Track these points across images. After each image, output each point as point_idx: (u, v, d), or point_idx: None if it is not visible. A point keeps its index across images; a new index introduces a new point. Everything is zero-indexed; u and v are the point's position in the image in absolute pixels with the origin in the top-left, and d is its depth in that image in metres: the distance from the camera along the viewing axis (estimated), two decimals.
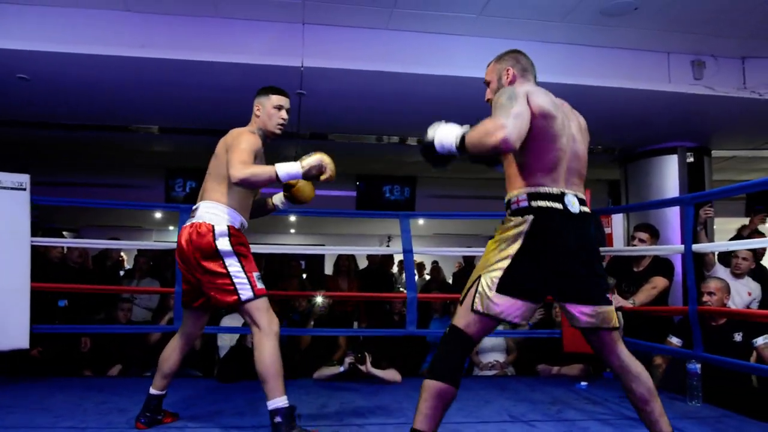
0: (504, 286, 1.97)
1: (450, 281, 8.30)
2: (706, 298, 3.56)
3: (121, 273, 6.71)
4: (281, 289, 5.79)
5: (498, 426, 2.83)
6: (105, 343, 4.50)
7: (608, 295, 2.07)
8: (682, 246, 3.46)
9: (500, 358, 4.61)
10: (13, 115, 5.59)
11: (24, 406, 3.04)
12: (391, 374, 3.85)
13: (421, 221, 11.14)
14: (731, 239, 5.06)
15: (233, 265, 2.52)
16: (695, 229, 4.43)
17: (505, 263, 1.98)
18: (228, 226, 2.56)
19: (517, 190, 2.06)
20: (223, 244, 2.53)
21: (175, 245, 4.03)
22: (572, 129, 2.12)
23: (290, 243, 13.35)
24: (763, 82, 5.07)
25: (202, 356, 4.67)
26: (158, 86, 4.73)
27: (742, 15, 4.17)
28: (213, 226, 2.55)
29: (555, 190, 2.02)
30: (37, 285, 3.75)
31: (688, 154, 6.12)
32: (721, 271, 4.32)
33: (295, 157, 2.63)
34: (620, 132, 5.99)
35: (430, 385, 1.95)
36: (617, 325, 2.06)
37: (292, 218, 11.72)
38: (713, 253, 4.47)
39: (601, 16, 4.13)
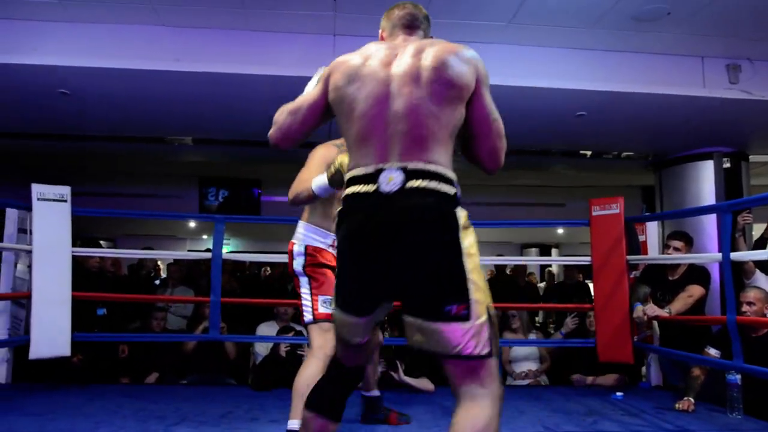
0: (337, 299, 1.65)
1: None
2: (745, 308, 3.46)
3: (157, 282, 6.84)
4: None
5: None
6: (141, 351, 4.59)
7: (455, 308, 1.44)
8: (720, 254, 3.39)
9: (533, 367, 4.57)
10: (54, 129, 5.76)
11: (65, 413, 3.11)
12: (424, 383, 3.84)
13: None
14: (755, 243, 4.92)
15: (304, 286, 2.55)
16: (733, 235, 4.33)
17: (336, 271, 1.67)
18: (305, 246, 2.57)
19: None
20: (297, 264, 2.57)
21: (209, 255, 4.14)
22: (392, 85, 1.58)
23: None
24: None
25: (236, 364, 4.73)
26: (192, 98, 4.82)
27: None
28: (293, 245, 2.60)
29: (369, 168, 1.55)
30: (78, 294, 3.85)
31: (725, 159, 5.99)
32: (762, 279, 4.21)
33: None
34: (654, 137, 5.91)
35: (308, 420, 1.70)
36: (463, 352, 1.44)
37: None
38: (753, 261, 4.37)
39: (633, 21, 4.08)
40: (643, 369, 4.46)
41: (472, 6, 3.95)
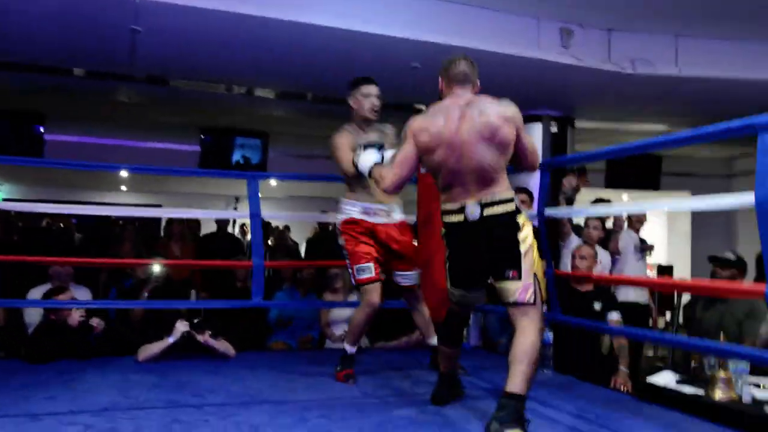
0: (452, 281, 2.70)
1: (302, 248, 8.35)
2: (578, 261, 3.97)
3: None
4: (112, 254, 5.54)
5: (349, 401, 2.93)
6: None
7: (510, 272, 2.51)
8: (535, 210, 3.76)
9: None
10: None
11: None
12: (225, 345, 3.82)
13: (273, 182, 11.00)
14: None
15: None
16: (558, 198, 4.82)
17: (447, 265, 2.69)
18: (341, 220, 3.43)
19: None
20: (340, 240, 3.42)
21: None
22: (465, 147, 2.51)
23: (121, 203, 12.64)
24: (628, 57, 5.53)
25: (7, 334, 4.36)
26: None
27: None
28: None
29: (455, 205, 2.57)
30: None
31: (553, 123, 6.57)
32: (576, 242, 4.73)
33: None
34: (486, 95, 6.28)
35: (439, 349, 2.98)
36: (511, 299, 2.52)
37: (124, 174, 11.07)
38: (570, 224, 4.88)
39: None
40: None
41: None
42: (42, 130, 7.75)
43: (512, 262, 2.51)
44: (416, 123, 2.63)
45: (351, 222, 3.37)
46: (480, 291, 2.71)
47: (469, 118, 2.54)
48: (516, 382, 2.35)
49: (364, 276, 3.30)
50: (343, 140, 3.36)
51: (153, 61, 5.52)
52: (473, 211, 2.52)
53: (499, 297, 2.58)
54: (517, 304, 2.50)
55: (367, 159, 2.87)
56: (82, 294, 4.47)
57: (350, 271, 3.37)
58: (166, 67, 5.76)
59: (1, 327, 4.35)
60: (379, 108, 3.45)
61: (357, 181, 3.32)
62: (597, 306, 3.91)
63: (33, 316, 4.29)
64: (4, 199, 10.95)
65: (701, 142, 2.81)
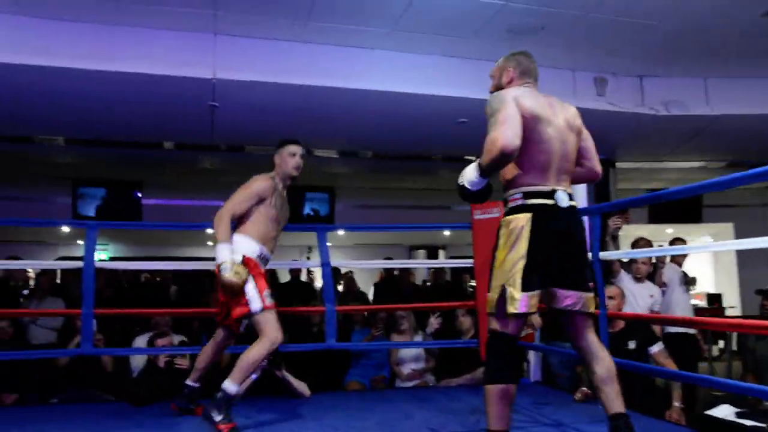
0: (525, 285, 2.13)
1: (370, 292, 8.30)
2: (607, 302, 3.72)
3: (25, 292, 6.30)
4: (203, 304, 5.62)
5: None
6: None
7: (590, 284, 2.24)
8: (590, 254, 3.60)
9: (419, 366, 4.62)
10: None
11: None
12: (302, 386, 3.79)
13: (341, 231, 11.08)
14: None
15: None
16: (605, 239, 4.63)
17: (522, 263, 2.13)
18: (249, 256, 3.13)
19: (513, 189, 2.24)
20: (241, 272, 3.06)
21: (80, 263, 3.83)
22: (561, 131, 2.23)
23: (207, 257, 12.93)
24: (660, 100, 5.40)
25: (114, 378, 4.43)
26: (62, 95, 4.49)
27: (639, 36, 4.41)
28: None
29: (547, 188, 2.19)
30: None
31: None
32: (626, 278, 4.53)
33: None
34: None
35: (490, 390, 2.17)
36: (592, 310, 2.24)
37: (209, 231, 11.38)
38: (620, 261, 4.68)
39: (508, 34, 4.25)
40: (525, 365, 4.64)
41: (357, 11, 3.96)
42: (140, 195, 8.06)
43: (588, 269, 2.27)
44: (513, 91, 2.23)
45: (255, 260, 3.15)
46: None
47: (558, 106, 2.29)
48: (620, 402, 2.13)
49: (271, 301, 3.07)
50: (263, 187, 3.18)
51: (230, 131, 5.69)
52: (563, 197, 2.19)
53: (561, 304, 2.20)
54: (589, 316, 2.23)
55: (468, 169, 2.27)
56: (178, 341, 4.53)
57: (257, 296, 3.04)
58: (241, 136, 5.92)
59: (109, 372, 4.42)
60: (302, 167, 3.32)
61: (262, 226, 3.21)
62: (631, 344, 3.64)
63: (138, 360, 4.37)
64: (111, 258, 11.38)
65: (744, 184, 2.47)
